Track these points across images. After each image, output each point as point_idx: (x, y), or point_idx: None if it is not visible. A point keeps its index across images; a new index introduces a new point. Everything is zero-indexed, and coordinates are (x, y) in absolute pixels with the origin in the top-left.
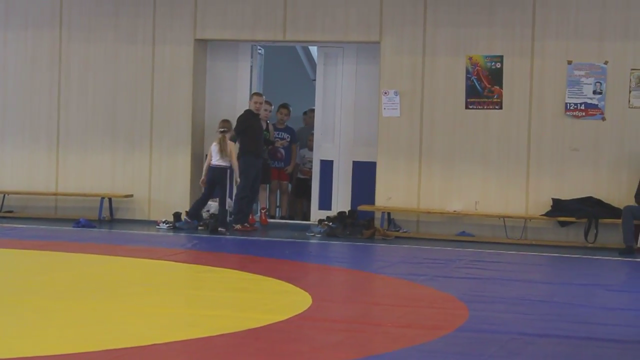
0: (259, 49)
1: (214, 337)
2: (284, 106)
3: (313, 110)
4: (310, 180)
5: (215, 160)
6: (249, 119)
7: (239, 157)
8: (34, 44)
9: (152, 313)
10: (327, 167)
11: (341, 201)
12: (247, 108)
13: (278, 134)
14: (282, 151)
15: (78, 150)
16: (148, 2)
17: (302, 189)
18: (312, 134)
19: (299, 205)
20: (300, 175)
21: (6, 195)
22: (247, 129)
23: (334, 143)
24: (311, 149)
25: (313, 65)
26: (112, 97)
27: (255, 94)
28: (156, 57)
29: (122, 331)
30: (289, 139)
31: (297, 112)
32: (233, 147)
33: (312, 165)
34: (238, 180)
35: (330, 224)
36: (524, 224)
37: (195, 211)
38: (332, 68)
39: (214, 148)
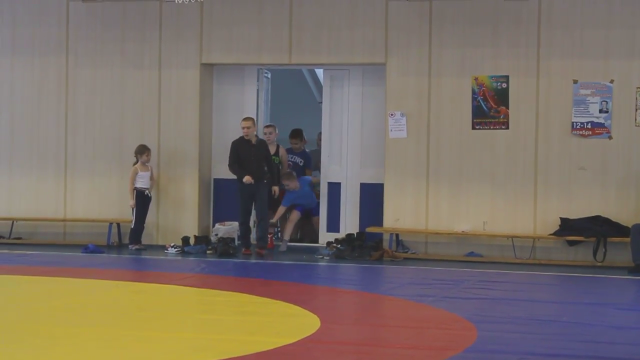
0: (266, 72)
1: None
2: (294, 135)
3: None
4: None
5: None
6: (235, 147)
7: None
8: (41, 70)
9: (161, 338)
10: (334, 189)
11: (349, 223)
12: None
13: (292, 158)
14: (293, 174)
15: (86, 175)
16: (154, 27)
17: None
18: None
19: (308, 227)
20: None
21: (15, 221)
22: (237, 156)
23: (341, 165)
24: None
25: (319, 87)
26: (119, 122)
27: (244, 119)
28: (163, 81)
29: (131, 356)
30: (302, 164)
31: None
32: (132, 173)
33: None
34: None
35: (339, 246)
36: (532, 243)
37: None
38: (338, 90)
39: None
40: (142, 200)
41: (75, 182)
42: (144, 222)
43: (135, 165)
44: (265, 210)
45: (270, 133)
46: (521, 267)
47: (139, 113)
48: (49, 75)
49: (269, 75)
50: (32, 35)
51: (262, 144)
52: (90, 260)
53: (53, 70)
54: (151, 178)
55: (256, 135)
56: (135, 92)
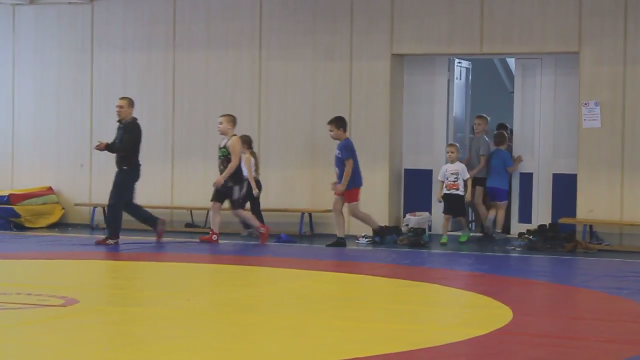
0: (459, 63)
1: (414, 352)
2: (479, 117)
3: (480, 117)
4: (456, 195)
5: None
6: None
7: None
8: (235, 63)
9: (352, 327)
10: (526, 179)
11: (541, 214)
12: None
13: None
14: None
15: (278, 166)
16: (345, 19)
17: (451, 204)
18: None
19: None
20: (445, 190)
21: (210, 211)
22: None
23: (533, 156)
24: (453, 162)
25: (511, 77)
26: (311, 114)
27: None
28: (354, 72)
29: (323, 345)
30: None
31: (494, 124)
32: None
33: (455, 179)
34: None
35: (531, 237)
36: None
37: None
38: (530, 80)
39: (253, 163)
40: None
41: (269, 172)
42: None
43: None
44: (113, 196)
45: (220, 123)
46: None
47: (330, 105)
48: (243, 68)
49: (470, 66)
50: (226, 29)
51: (124, 126)
52: (283, 250)
53: (246, 63)
54: None
55: (134, 118)
56: (326, 83)
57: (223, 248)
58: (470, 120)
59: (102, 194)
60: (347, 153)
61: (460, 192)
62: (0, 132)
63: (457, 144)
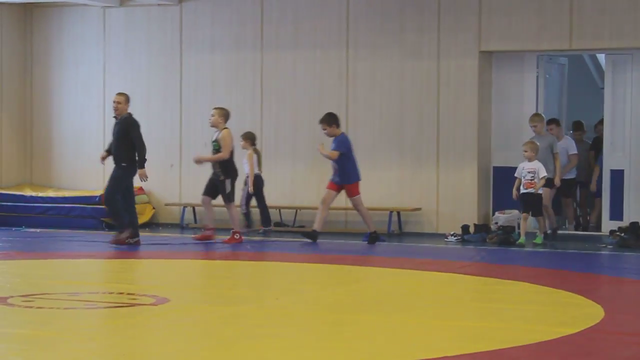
0: (549, 59)
1: (504, 350)
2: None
3: (536, 115)
4: (533, 194)
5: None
6: None
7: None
8: (323, 63)
9: (442, 325)
10: (617, 176)
11: (633, 211)
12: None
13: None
14: None
15: (367, 165)
16: (432, 17)
17: (527, 203)
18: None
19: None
20: (523, 190)
21: (298, 210)
22: None
23: (624, 152)
24: (530, 160)
25: (601, 72)
26: (399, 113)
27: (116, 93)
28: (441, 71)
29: (413, 343)
30: None
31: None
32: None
33: (532, 177)
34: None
35: (623, 234)
36: None
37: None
38: (620, 75)
39: (256, 159)
40: None
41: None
42: None
43: None
44: (107, 191)
45: (212, 115)
46: None
47: (418, 103)
48: (330, 68)
49: (566, 62)
50: (314, 29)
51: (123, 121)
52: (371, 248)
53: (334, 63)
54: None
55: (129, 113)
56: (414, 82)
57: (312, 247)
58: (566, 117)
59: (192, 194)
60: (337, 147)
61: (538, 191)
62: (92, 134)
63: (535, 141)
